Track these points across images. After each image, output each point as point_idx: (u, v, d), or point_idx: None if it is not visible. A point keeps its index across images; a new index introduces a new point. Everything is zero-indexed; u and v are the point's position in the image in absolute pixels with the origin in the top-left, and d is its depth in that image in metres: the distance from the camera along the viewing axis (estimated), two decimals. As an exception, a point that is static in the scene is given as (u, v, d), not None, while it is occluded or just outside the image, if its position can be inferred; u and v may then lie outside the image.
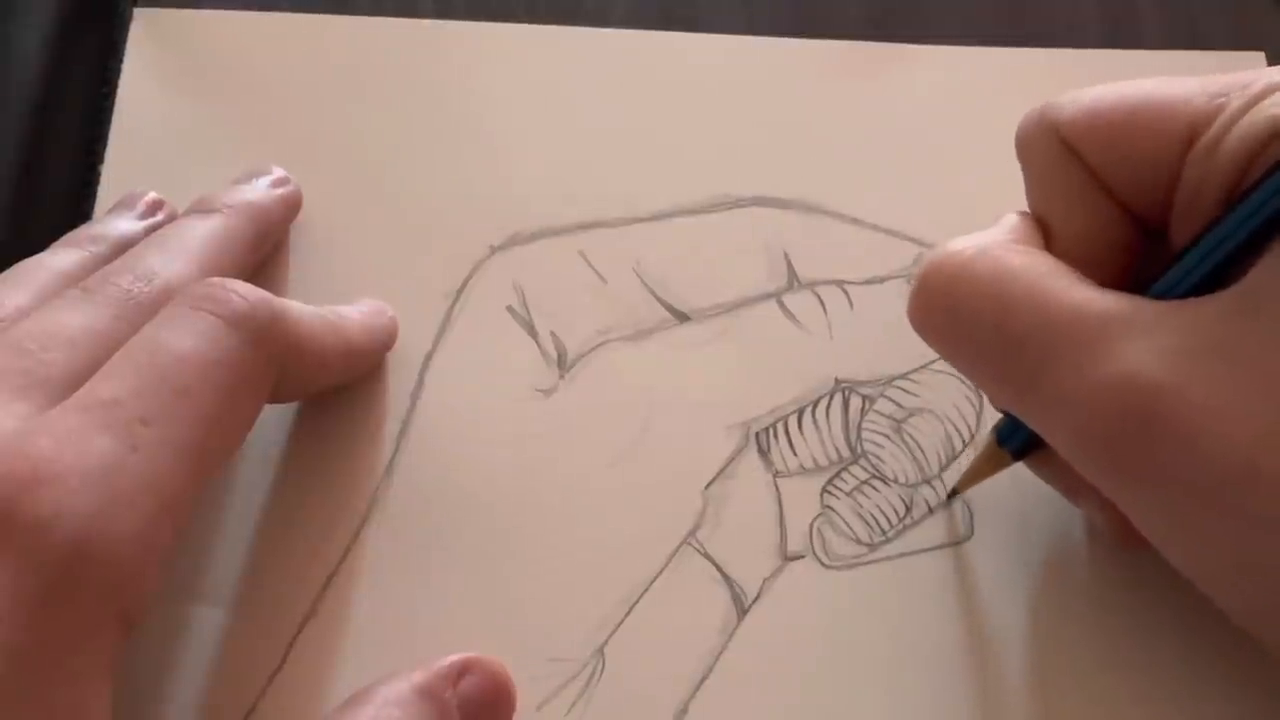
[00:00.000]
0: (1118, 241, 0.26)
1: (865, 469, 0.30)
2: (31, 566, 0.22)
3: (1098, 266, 0.25)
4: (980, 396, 0.31)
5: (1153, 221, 0.25)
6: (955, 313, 0.25)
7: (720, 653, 0.29)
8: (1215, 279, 0.23)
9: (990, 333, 0.24)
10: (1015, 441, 0.27)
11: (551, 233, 0.33)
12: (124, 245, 0.30)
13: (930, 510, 0.30)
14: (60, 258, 0.30)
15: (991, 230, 0.26)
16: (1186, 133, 0.24)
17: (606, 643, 0.29)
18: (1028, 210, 0.27)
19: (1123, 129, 0.25)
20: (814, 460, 0.30)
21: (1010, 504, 0.30)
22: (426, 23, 0.36)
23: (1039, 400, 0.24)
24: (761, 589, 0.29)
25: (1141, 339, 0.22)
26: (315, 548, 0.30)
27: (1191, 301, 0.23)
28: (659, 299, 0.32)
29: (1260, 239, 0.22)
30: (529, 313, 0.32)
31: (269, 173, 0.33)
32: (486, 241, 0.33)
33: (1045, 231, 0.26)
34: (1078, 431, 0.23)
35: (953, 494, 0.30)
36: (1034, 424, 0.25)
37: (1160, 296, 0.23)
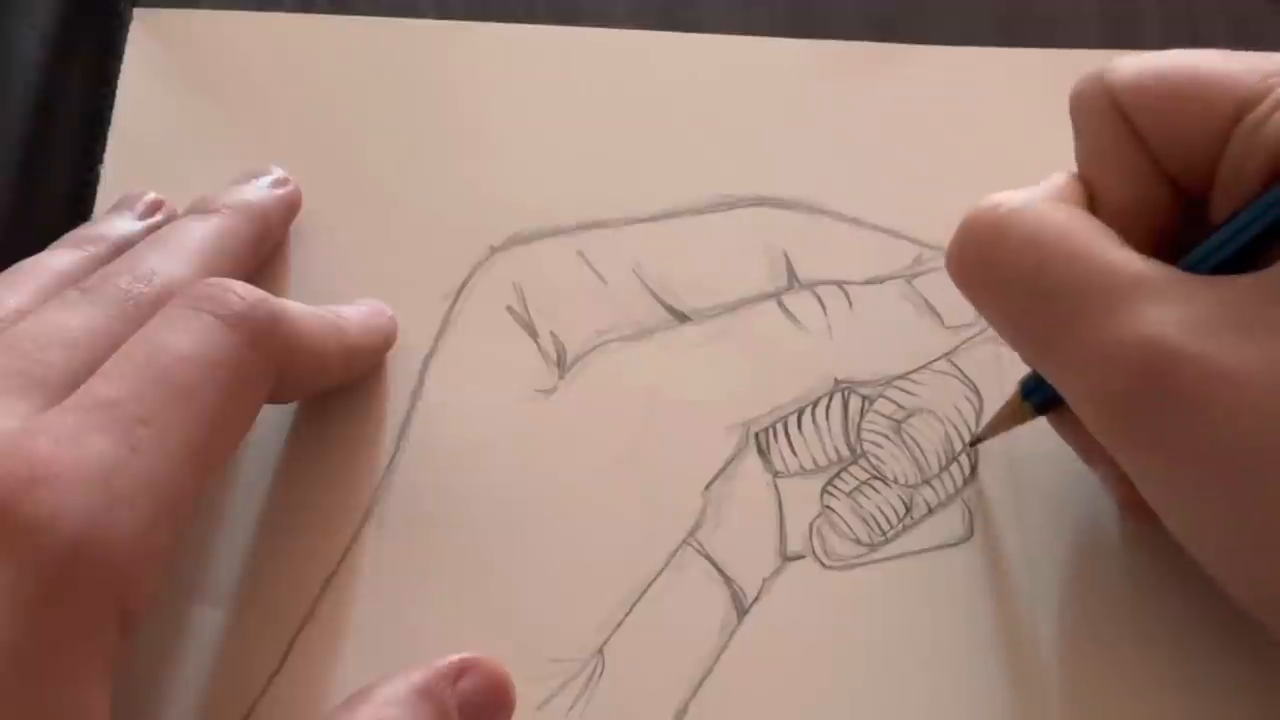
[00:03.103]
0: (1160, 210, 0.26)
1: (865, 469, 0.30)
2: (30, 567, 0.22)
3: (1138, 233, 0.25)
4: (979, 397, 0.31)
5: (1195, 193, 0.26)
6: (993, 262, 0.25)
7: (720, 653, 0.29)
8: (1250, 257, 0.24)
9: (1025, 284, 0.25)
10: (1039, 396, 0.27)
11: (551, 233, 0.33)
12: (123, 245, 0.30)
13: (930, 511, 0.30)
14: (59, 258, 0.30)
15: (1037, 187, 0.26)
16: (1235, 108, 0.24)
17: (606, 643, 0.29)
18: (1074, 171, 0.27)
19: (1174, 97, 0.25)
20: (814, 460, 0.30)
21: (1010, 504, 0.30)
22: (426, 23, 0.36)
23: (1062, 355, 0.24)
24: (761, 589, 0.29)
25: (1168, 306, 0.23)
26: (315, 548, 0.30)
27: (1224, 278, 0.23)
28: (659, 299, 0.32)
29: None
30: (529, 313, 0.32)
31: (268, 173, 0.33)
32: (486, 242, 0.33)
33: (1090, 193, 0.26)
34: (1095, 389, 0.23)
35: (974, 442, 0.30)
36: (1056, 380, 0.25)
37: (1192, 269, 0.24)
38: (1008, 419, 0.29)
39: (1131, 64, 0.26)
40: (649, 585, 0.29)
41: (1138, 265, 0.24)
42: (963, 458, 0.30)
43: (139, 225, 0.31)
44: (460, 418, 0.31)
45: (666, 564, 0.29)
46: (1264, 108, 0.24)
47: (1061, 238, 0.24)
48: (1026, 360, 0.27)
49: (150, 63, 0.35)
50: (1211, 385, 0.22)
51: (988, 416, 0.30)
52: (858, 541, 0.30)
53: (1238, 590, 0.24)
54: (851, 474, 0.30)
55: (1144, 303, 0.23)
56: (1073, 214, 0.25)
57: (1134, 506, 0.26)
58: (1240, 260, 0.24)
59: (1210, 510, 0.23)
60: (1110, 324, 0.23)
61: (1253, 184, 0.24)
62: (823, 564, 0.29)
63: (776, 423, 0.31)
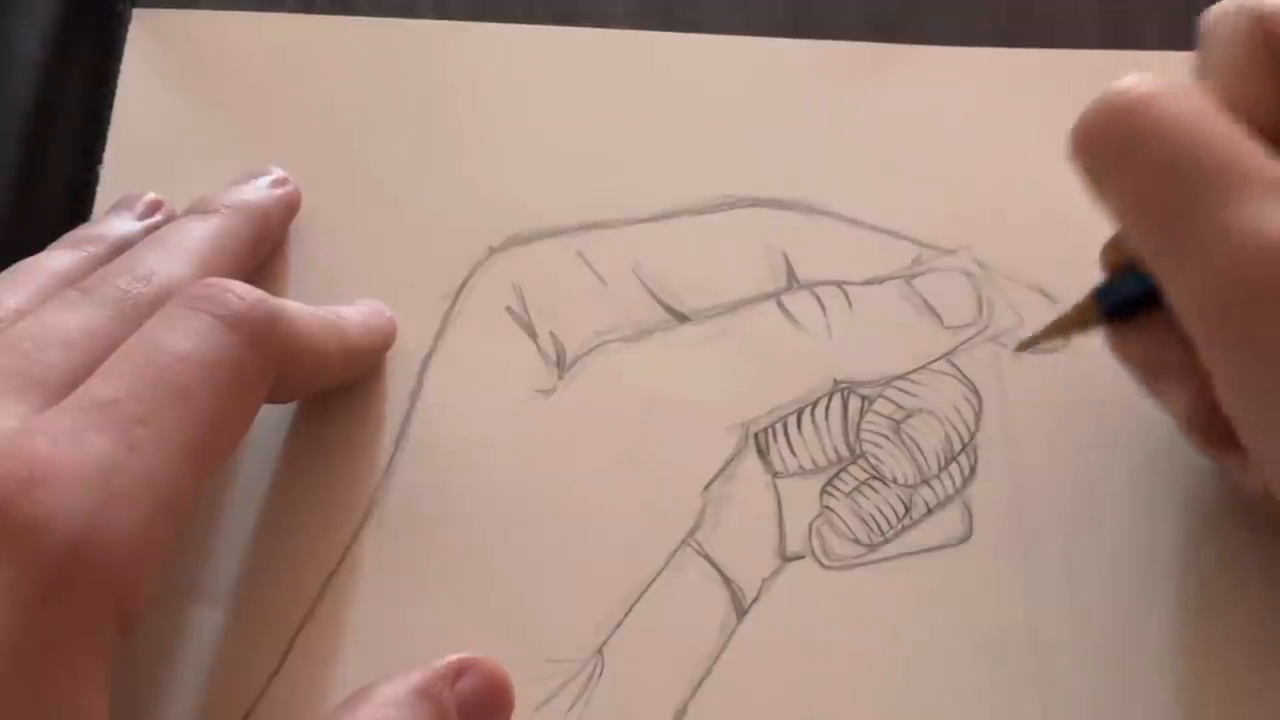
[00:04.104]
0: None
1: (864, 469, 0.30)
2: (28, 567, 0.22)
3: None
4: (979, 397, 0.31)
5: None
6: (1130, 139, 0.24)
7: (719, 653, 0.29)
8: None
9: (1166, 165, 0.23)
10: (1113, 300, 0.27)
11: (550, 233, 0.33)
12: (122, 246, 0.30)
13: (929, 511, 0.30)
14: (58, 258, 0.30)
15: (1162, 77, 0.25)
16: None
17: (605, 643, 0.29)
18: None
19: None
20: (813, 461, 0.30)
21: (1009, 505, 0.30)
22: (425, 23, 0.36)
23: (1191, 241, 0.23)
24: (761, 589, 0.29)
25: None
26: (314, 548, 0.30)
27: None
28: (658, 299, 0.32)
29: None
30: (528, 313, 0.32)
31: (268, 173, 0.33)
32: (485, 242, 0.33)
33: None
34: (1220, 280, 0.22)
35: (1027, 344, 0.29)
36: (1172, 272, 0.24)
37: None
38: (1073, 322, 0.28)
39: None
40: (648, 585, 0.29)
41: (1271, 161, 0.23)
42: (962, 458, 0.30)
43: (138, 225, 0.31)
44: (460, 418, 0.31)
45: (666, 564, 0.29)
46: None
47: (1216, 124, 0.23)
48: (1143, 251, 0.25)
49: (150, 63, 0.35)
50: None
51: (987, 416, 0.30)
52: (857, 542, 0.30)
53: None
54: (851, 474, 0.30)
55: (1273, 202, 0.22)
56: (1207, 101, 0.24)
57: (1201, 429, 0.25)
58: None
59: None
60: (1250, 216, 0.22)
61: None
62: (822, 564, 0.29)
63: (776, 423, 0.31)
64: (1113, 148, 0.25)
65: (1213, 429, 0.24)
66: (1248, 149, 0.23)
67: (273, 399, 0.28)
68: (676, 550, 0.29)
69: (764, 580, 0.29)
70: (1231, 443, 0.24)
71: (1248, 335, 0.22)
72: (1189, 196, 0.23)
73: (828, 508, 0.30)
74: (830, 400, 0.31)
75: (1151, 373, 0.27)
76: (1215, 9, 0.26)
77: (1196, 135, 0.23)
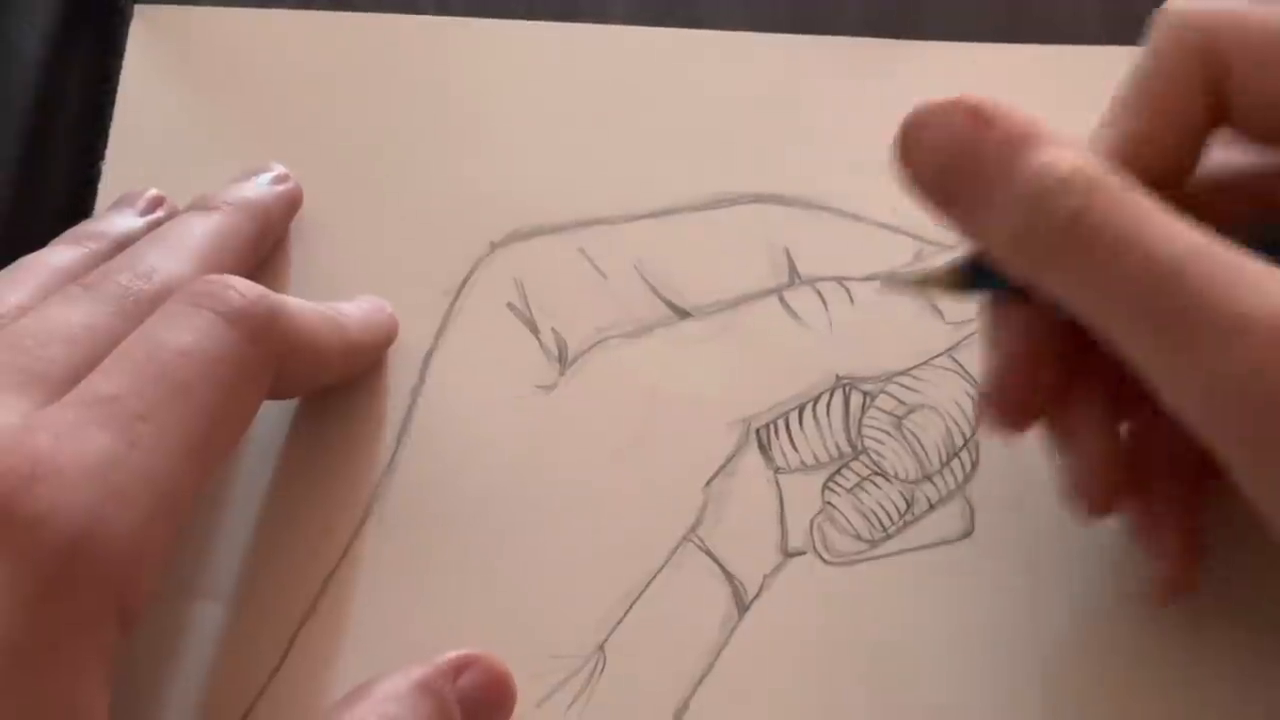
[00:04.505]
0: (1186, 155, 0.25)
1: (866, 465, 0.30)
2: (29, 563, 0.22)
3: (1148, 170, 0.24)
4: (981, 392, 0.31)
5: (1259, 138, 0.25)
6: (1087, 245, 0.22)
7: (721, 649, 0.29)
8: None
9: (1132, 268, 0.22)
10: (984, 281, 0.26)
11: (552, 229, 0.33)
12: (124, 242, 0.30)
13: (931, 507, 0.30)
14: (60, 254, 0.30)
15: (1081, 148, 0.24)
16: None
17: (607, 639, 0.29)
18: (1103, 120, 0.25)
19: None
20: (815, 457, 0.30)
21: (1011, 500, 0.30)
22: (426, 19, 0.36)
23: (1182, 341, 0.21)
24: (762, 585, 0.29)
25: None
26: (315, 545, 0.30)
27: None
28: (660, 295, 0.32)
29: None
30: (529, 309, 0.32)
31: (269, 170, 0.33)
32: (487, 238, 0.33)
33: (1129, 125, 0.25)
34: (1218, 380, 0.21)
35: (891, 285, 0.27)
36: (1168, 375, 0.22)
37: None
38: (940, 281, 0.26)
39: (1237, 9, 0.24)
40: (650, 581, 0.29)
41: (1224, 248, 0.21)
42: (964, 454, 0.30)
43: (140, 222, 0.31)
44: (461, 414, 0.31)
45: (667, 560, 0.29)
46: None
47: (1167, 218, 0.22)
48: (1124, 343, 0.23)
49: (151, 60, 0.35)
50: None
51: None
52: (858, 538, 0.30)
53: None
54: (853, 470, 0.30)
55: (1264, 280, 0.21)
56: (1146, 195, 0.23)
57: (1093, 503, 0.26)
58: None
59: None
60: (1234, 315, 0.21)
61: None
62: (823, 560, 0.29)
63: (777, 419, 0.31)
64: (1064, 259, 0.23)
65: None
66: (1188, 239, 0.22)
67: (274, 395, 0.28)
68: (678, 546, 0.29)
69: (765, 576, 0.29)
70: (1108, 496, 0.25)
71: (1266, 424, 0.21)
72: (1185, 303, 0.21)
73: (829, 504, 0.30)
74: (832, 396, 0.31)
75: (1005, 360, 0.26)
76: (1160, 13, 0.25)
77: (1161, 248, 0.22)
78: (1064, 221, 0.22)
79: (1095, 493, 0.26)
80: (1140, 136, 0.25)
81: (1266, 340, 0.21)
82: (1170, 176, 0.25)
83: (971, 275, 0.26)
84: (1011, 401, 0.26)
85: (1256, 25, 0.24)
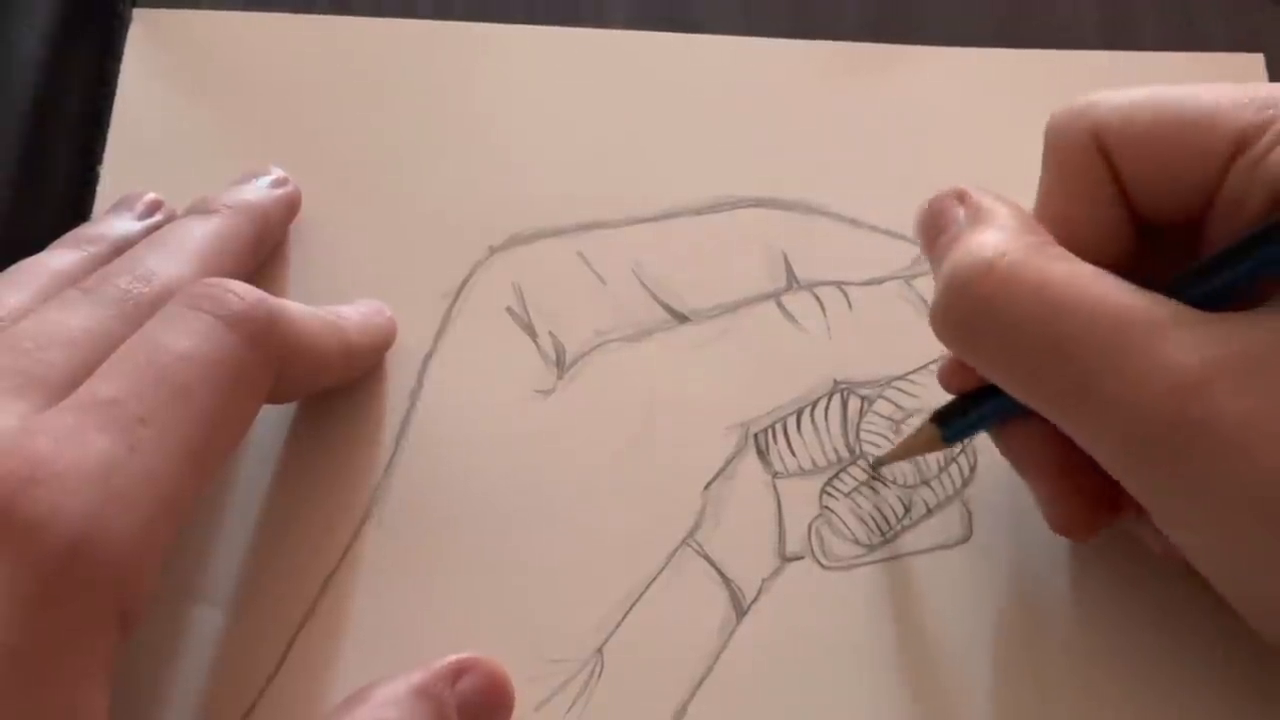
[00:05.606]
0: (1122, 244, 0.26)
1: (864, 470, 0.30)
2: (29, 566, 0.22)
3: (1095, 262, 0.24)
4: (979, 397, 0.31)
5: (1168, 226, 0.25)
6: (995, 321, 0.24)
7: (719, 653, 0.29)
8: (1241, 289, 0.23)
9: (1036, 341, 0.23)
10: (954, 430, 0.27)
11: (551, 233, 0.33)
12: (123, 245, 0.30)
13: (929, 511, 0.30)
14: (59, 258, 0.30)
15: (1006, 230, 0.25)
16: (1233, 143, 0.24)
17: (605, 643, 0.29)
18: (1026, 209, 0.26)
19: (1166, 135, 0.24)
20: (813, 461, 0.30)
21: (1008, 505, 0.30)
22: (425, 23, 0.36)
23: (1086, 408, 0.23)
24: (760, 590, 0.29)
25: (1191, 349, 0.22)
26: (315, 548, 0.30)
27: (1236, 315, 0.22)
28: (658, 300, 0.32)
29: None
30: (528, 313, 0.32)
31: (268, 173, 0.33)
32: (486, 242, 0.33)
33: (1052, 225, 0.26)
34: (1127, 438, 0.23)
35: (878, 464, 0.30)
36: (1077, 430, 0.24)
37: (1202, 305, 0.23)
38: (919, 445, 0.28)
39: (1116, 101, 0.25)
40: (648, 585, 0.29)
41: (1148, 307, 0.23)
42: (961, 459, 0.30)
43: (138, 225, 0.31)
44: (459, 418, 0.31)
45: (665, 564, 0.29)
46: (1264, 142, 0.23)
47: (1068, 290, 0.23)
48: (1043, 412, 0.25)
49: (150, 63, 0.35)
50: (1253, 428, 0.21)
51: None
52: (857, 542, 0.30)
53: (1268, 626, 0.24)
54: (851, 475, 0.30)
55: (1166, 346, 0.22)
56: (1070, 261, 0.24)
57: (1077, 528, 0.26)
58: (1228, 291, 0.23)
59: (1252, 557, 0.22)
60: (1134, 374, 0.22)
61: (1253, 219, 0.23)
62: (821, 564, 0.29)
63: (776, 423, 0.31)
64: (978, 328, 0.25)
65: (1078, 523, 0.26)
66: (1110, 302, 0.23)
67: (273, 398, 0.28)
68: (676, 550, 0.29)
69: (764, 580, 0.29)
70: (1089, 527, 0.26)
71: (1163, 481, 0.23)
72: (1065, 370, 0.23)
73: (827, 508, 0.30)
74: (830, 401, 0.31)
75: (1020, 466, 0.27)
76: (1054, 123, 0.26)
77: (1056, 310, 0.23)
78: (972, 305, 0.24)
79: (1074, 529, 0.26)
80: (1069, 219, 0.26)
81: (1148, 415, 0.22)
82: (1107, 247, 0.25)
83: (944, 427, 0.28)
84: (1069, 518, 0.26)
85: (1126, 107, 0.25)
